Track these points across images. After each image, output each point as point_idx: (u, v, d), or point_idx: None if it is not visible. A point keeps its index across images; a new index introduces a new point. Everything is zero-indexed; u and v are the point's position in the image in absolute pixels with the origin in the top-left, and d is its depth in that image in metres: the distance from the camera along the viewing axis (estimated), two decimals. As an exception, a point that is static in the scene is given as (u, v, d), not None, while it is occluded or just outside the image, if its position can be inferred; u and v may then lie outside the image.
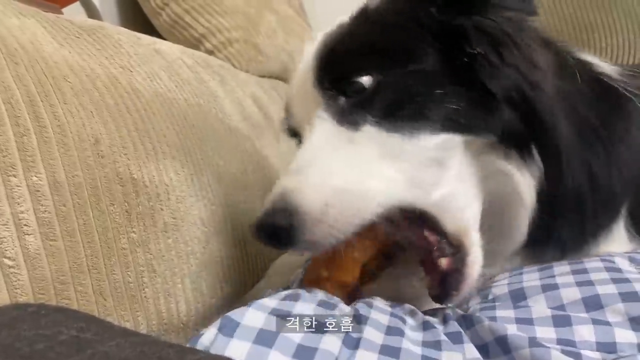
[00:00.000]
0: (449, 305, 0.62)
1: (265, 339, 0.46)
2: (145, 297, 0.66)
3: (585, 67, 0.76)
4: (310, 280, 0.62)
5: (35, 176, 0.55)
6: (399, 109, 0.61)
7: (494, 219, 0.65)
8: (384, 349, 0.49)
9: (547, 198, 0.65)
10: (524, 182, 0.64)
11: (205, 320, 0.76)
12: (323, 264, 0.61)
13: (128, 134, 0.69)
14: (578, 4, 1.84)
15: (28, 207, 0.54)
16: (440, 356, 0.50)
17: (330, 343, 0.48)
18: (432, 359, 0.50)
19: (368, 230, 0.59)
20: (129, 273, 0.64)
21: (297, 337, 0.47)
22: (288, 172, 0.61)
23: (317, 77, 0.66)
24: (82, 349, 0.34)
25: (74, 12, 1.32)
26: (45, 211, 0.56)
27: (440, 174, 0.61)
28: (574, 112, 0.68)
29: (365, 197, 0.58)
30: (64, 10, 1.29)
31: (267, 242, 0.59)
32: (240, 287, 0.87)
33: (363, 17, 0.68)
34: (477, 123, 0.61)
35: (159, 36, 1.32)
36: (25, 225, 0.53)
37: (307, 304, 0.53)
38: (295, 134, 0.75)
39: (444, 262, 0.60)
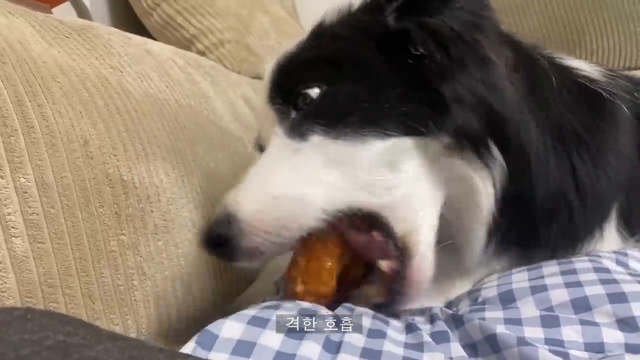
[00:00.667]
0: (404, 309, 0.61)
1: (243, 349, 0.46)
2: (135, 300, 0.65)
3: (564, 70, 0.76)
4: (288, 297, 0.61)
5: (23, 177, 0.55)
6: (345, 117, 0.61)
7: (454, 223, 0.65)
8: (365, 352, 0.49)
9: (522, 200, 0.64)
10: (481, 185, 0.63)
11: (196, 324, 0.75)
12: (297, 279, 0.60)
13: (118, 135, 0.68)
14: (569, 6, 1.85)
15: (15, 209, 0.53)
16: (421, 357, 0.50)
17: (310, 348, 0.47)
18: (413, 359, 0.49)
19: (335, 238, 0.60)
20: (118, 276, 0.63)
21: (275, 345, 0.47)
22: (235, 187, 0.63)
23: (269, 95, 0.69)
24: (68, 354, 0.33)
25: (64, 12, 1.31)
26: (33, 213, 0.55)
27: (393, 176, 0.61)
28: (548, 115, 0.67)
29: (303, 203, 0.59)
30: (54, 10, 1.29)
31: (210, 251, 0.62)
32: (232, 290, 0.87)
33: (317, 32, 0.70)
34: (428, 125, 0.61)
35: (150, 37, 1.31)
36: (12, 227, 0.53)
37: (287, 312, 0.53)
38: (262, 150, 0.76)
39: (384, 265, 0.59)
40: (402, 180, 0.61)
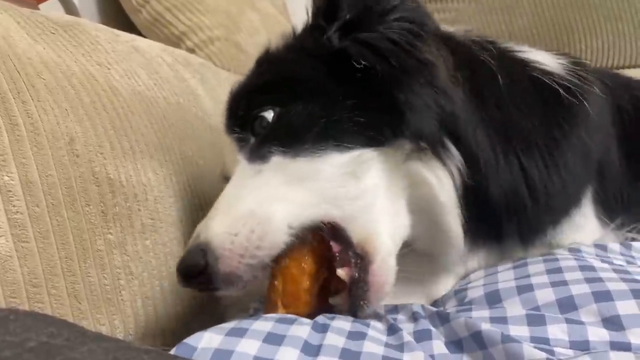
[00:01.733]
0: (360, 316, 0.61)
1: (220, 356, 0.46)
2: (122, 300, 0.64)
3: (518, 64, 0.77)
4: None
5: (7, 175, 0.54)
6: (302, 135, 0.63)
7: (427, 224, 0.66)
8: (345, 353, 0.49)
9: (480, 197, 0.66)
10: (441, 183, 0.65)
11: (183, 324, 0.75)
12: (277, 302, 0.60)
13: (105, 133, 0.67)
14: (558, 6, 1.86)
15: (-1, 208, 0.52)
16: (402, 357, 0.50)
17: (288, 353, 0.47)
18: (393, 359, 0.49)
19: (309, 256, 0.60)
20: (105, 275, 0.62)
21: (252, 351, 0.47)
22: (206, 217, 0.63)
23: (227, 124, 0.71)
24: (51, 356, 0.33)
25: (52, 9, 1.29)
26: (17, 212, 0.54)
27: (355, 187, 0.62)
28: (492, 115, 0.69)
29: (269, 220, 0.59)
30: (41, 6, 1.27)
31: (189, 284, 0.61)
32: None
33: (263, 60, 0.73)
34: (385, 133, 0.63)
35: (139, 34, 1.30)
36: (-5, 226, 0.52)
37: (265, 322, 0.52)
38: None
39: (341, 272, 0.59)
40: (364, 190, 0.62)
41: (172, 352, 0.48)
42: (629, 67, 1.85)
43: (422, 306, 0.63)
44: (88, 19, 1.16)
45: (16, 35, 0.64)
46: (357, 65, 0.63)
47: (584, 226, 0.76)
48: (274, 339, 0.49)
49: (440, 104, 0.64)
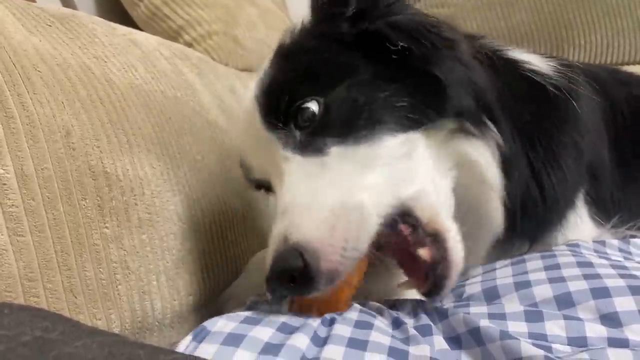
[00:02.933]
0: (438, 298, 0.61)
1: (233, 340, 0.47)
2: (118, 294, 0.64)
3: (510, 63, 0.78)
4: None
5: (2, 168, 0.53)
6: (354, 122, 0.62)
7: (469, 208, 0.66)
8: (352, 342, 0.49)
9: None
10: (487, 163, 0.65)
11: (181, 319, 0.75)
12: (312, 307, 0.58)
13: (101, 126, 0.66)
14: (557, 2, 1.85)
15: (-6, 201, 0.52)
16: (407, 349, 0.50)
17: (298, 339, 0.48)
18: (400, 350, 0.49)
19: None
20: (101, 270, 0.62)
21: (265, 337, 0.48)
22: (277, 218, 0.59)
23: (264, 120, 0.66)
24: (45, 351, 0.32)
25: (49, 1, 1.28)
26: (13, 205, 0.54)
27: (410, 168, 0.62)
28: (502, 104, 0.70)
29: (363, 209, 0.57)
30: (38, -1, 1.26)
31: (287, 292, 0.56)
32: (218, 284, 0.86)
33: (283, 53, 0.70)
34: (429, 114, 0.63)
35: (137, 28, 1.29)
36: (-10, 220, 0.51)
37: (265, 328, 0.52)
38: (259, 185, 0.74)
39: (423, 253, 0.58)
40: (419, 171, 0.62)
41: (190, 335, 0.49)
42: (627, 63, 1.85)
43: (421, 301, 0.63)
44: (85, 12, 1.15)
45: (12, 27, 0.64)
46: (393, 48, 0.63)
47: (579, 226, 0.76)
48: (287, 329, 0.50)
49: (472, 79, 0.65)
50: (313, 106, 0.62)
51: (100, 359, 0.33)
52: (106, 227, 0.63)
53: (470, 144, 0.65)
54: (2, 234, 0.52)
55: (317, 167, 0.61)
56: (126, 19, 1.40)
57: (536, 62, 0.80)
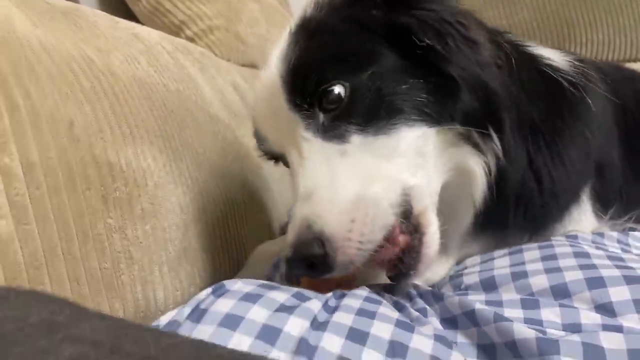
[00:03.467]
0: (403, 284, 0.63)
1: (250, 298, 0.49)
2: (121, 284, 0.65)
3: (528, 57, 0.79)
4: None
5: (7, 158, 0.54)
6: (376, 111, 0.63)
7: (445, 207, 0.67)
8: (352, 332, 0.50)
9: (500, 184, 0.68)
10: (479, 173, 0.67)
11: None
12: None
13: (104, 117, 0.67)
14: (560, 0, 1.86)
15: (-1, 190, 0.52)
16: (411, 337, 0.50)
17: (312, 304, 0.50)
18: (406, 323, 0.51)
19: None
20: (105, 259, 0.62)
21: (281, 298, 0.49)
22: (299, 201, 0.61)
23: (289, 98, 0.66)
24: (53, 332, 0.33)
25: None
26: (18, 194, 0.54)
27: (418, 162, 0.63)
28: (511, 100, 0.70)
29: (379, 202, 0.59)
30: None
31: (305, 274, 0.61)
32: (220, 275, 0.86)
33: (310, 29, 0.68)
34: (442, 111, 0.64)
35: (139, 23, 1.29)
36: (-4, 208, 0.52)
37: (281, 293, 0.54)
38: (273, 157, 0.76)
39: (401, 239, 0.60)
40: (424, 165, 0.64)
41: (210, 289, 0.53)
42: (629, 60, 1.85)
43: (416, 285, 0.64)
44: (88, 6, 1.16)
45: (16, 19, 0.64)
46: (420, 43, 0.63)
47: (582, 221, 0.77)
48: (301, 296, 0.52)
49: (486, 82, 0.65)
50: (340, 90, 0.63)
51: (106, 340, 0.33)
52: (110, 217, 0.64)
53: (471, 153, 0.66)
54: (7, 223, 0.53)
55: (338, 154, 0.62)
56: (128, 14, 1.40)
57: (554, 57, 0.80)
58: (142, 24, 1.33)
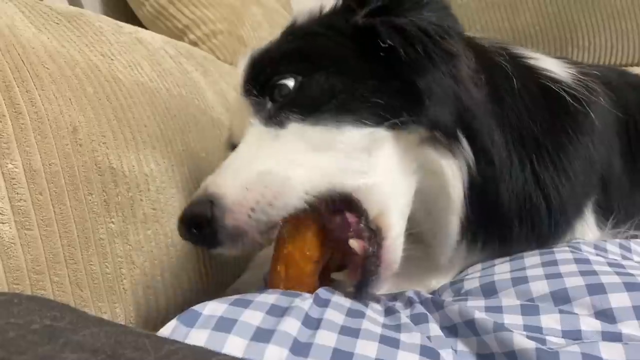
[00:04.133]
0: (371, 293, 0.62)
1: (223, 325, 0.47)
2: (123, 289, 0.65)
3: (529, 71, 0.78)
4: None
5: (11, 163, 0.54)
6: (321, 105, 0.63)
7: (427, 213, 0.68)
8: (344, 329, 0.50)
9: (490, 197, 0.67)
10: (451, 175, 0.66)
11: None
12: (280, 286, 0.60)
13: (107, 123, 0.67)
14: (561, 3, 1.86)
15: (3, 195, 0.53)
16: (399, 336, 0.50)
17: (290, 324, 0.48)
18: (390, 338, 0.50)
19: (312, 237, 0.60)
20: (107, 264, 0.63)
21: (256, 321, 0.48)
22: (213, 174, 0.63)
23: (244, 87, 0.70)
24: (54, 338, 0.33)
25: (56, 0, 1.29)
26: (21, 199, 0.54)
27: (368, 162, 0.63)
28: (509, 119, 0.70)
29: (288, 182, 0.59)
30: (45, -3, 1.27)
31: (192, 236, 0.61)
32: (222, 279, 0.86)
33: (289, 31, 0.73)
34: (403, 116, 0.63)
35: (142, 27, 1.30)
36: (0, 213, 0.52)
37: (268, 295, 0.54)
38: (233, 147, 0.75)
39: (356, 245, 0.59)
40: (376, 167, 0.63)
41: (176, 317, 0.49)
42: (632, 65, 1.85)
43: (417, 292, 0.64)
44: (91, 10, 1.16)
45: (21, 24, 0.65)
46: (383, 45, 0.64)
47: (585, 234, 0.77)
48: (277, 311, 0.50)
49: (459, 96, 0.65)
50: (290, 82, 0.65)
51: (107, 347, 0.34)
52: (112, 222, 0.64)
53: (439, 154, 0.65)
54: (10, 228, 0.53)
55: (271, 137, 0.64)
56: (131, 18, 1.41)
57: (556, 69, 0.80)
58: (146, 28, 1.33)
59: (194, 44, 1.39)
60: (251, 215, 0.58)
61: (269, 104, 0.67)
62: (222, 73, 1.24)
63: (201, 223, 0.59)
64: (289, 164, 0.61)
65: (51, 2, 0.80)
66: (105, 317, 0.62)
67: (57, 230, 0.57)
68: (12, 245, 0.53)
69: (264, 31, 1.65)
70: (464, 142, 0.65)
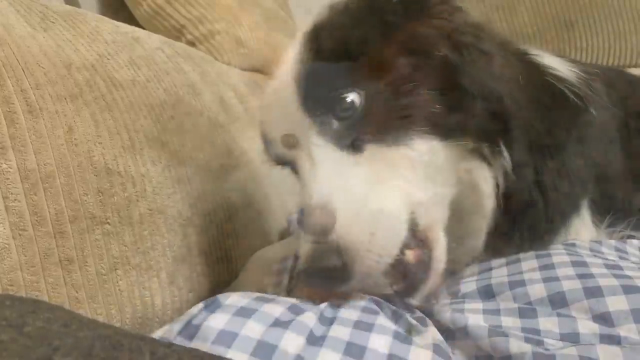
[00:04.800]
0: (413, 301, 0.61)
1: (245, 312, 0.48)
2: (119, 290, 0.64)
3: (534, 67, 0.77)
4: None
5: (5, 163, 0.54)
6: (391, 121, 0.61)
7: (456, 222, 0.66)
8: (350, 347, 0.49)
9: (507, 197, 0.67)
10: (487, 188, 0.66)
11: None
12: None
13: (103, 123, 0.67)
14: (559, 3, 1.86)
15: (-3, 195, 0.52)
16: (408, 352, 0.49)
17: (307, 317, 0.49)
18: (404, 335, 0.50)
19: None
20: (102, 265, 0.62)
21: (276, 312, 0.49)
22: (313, 208, 0.58)
23: (302, 101, 0.64)
24: (47, 340, 0.33)
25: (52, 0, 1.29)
26: (15, 199, 0.54)
27: (427, 175, 0.62)
28: (522, 117, 0.69)
29: (396, 214, 0.58)
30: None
31: (321, 286, 0.58)
32: (218, 281, 0.86)
33: (323, 32, 0.66)
34: (454, 124, 0.62)
35: (139, 27, 1.29)
36: (-7, 214, 0.52)
37: (275, 305, 0.53)
38: (280, 162, 0.73)
39: (410, 254, 0.58)
40: (434, 179, 0.62)
41: (205, 302, 0.52)
42: (629, 66, 1.85)
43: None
44: (88, 10, 1.16)
45: (16, 23, 0.64)
46: (436, 53, 0.62)
47: (581, 232, 0.76)
48: (297, 309, 0.51)
49: (500, 96, 0.64)
50: (355, 97, 0.62)
51: (101, 349, 0.33)
52: (108, 223, 0.64)
53: (480, 168, 0.65)
54: (4, 228, 0.53)
55: (352, 164, 0.61)
56: (129, 18, 1.40)
57: (560, 67, 0.79)
58: (143, 27, 1.33)
59: (192, 44, 1.39)
60: (379, 261, 0.56)
61: (335, 122, 0.63)
62: (219, 73, 1.24)
63: (332, 273, 0.56)
64: (387, 196, 0.59)
65: (47, 1, 0.80)
66: (100, 318, 0.61)
67: (52, 230, 0.57)
68: (7, 246, 0.53)
69: (262, 32, 1.64)
70: (505, 152, 0.65)
